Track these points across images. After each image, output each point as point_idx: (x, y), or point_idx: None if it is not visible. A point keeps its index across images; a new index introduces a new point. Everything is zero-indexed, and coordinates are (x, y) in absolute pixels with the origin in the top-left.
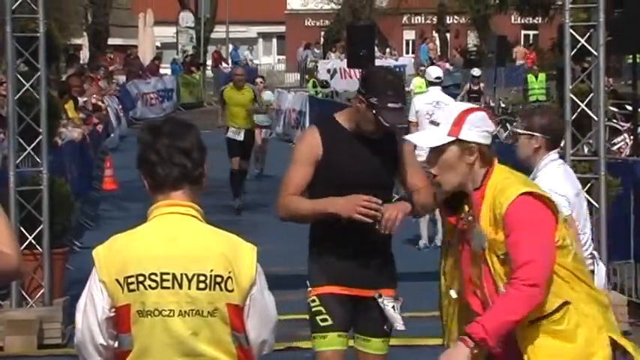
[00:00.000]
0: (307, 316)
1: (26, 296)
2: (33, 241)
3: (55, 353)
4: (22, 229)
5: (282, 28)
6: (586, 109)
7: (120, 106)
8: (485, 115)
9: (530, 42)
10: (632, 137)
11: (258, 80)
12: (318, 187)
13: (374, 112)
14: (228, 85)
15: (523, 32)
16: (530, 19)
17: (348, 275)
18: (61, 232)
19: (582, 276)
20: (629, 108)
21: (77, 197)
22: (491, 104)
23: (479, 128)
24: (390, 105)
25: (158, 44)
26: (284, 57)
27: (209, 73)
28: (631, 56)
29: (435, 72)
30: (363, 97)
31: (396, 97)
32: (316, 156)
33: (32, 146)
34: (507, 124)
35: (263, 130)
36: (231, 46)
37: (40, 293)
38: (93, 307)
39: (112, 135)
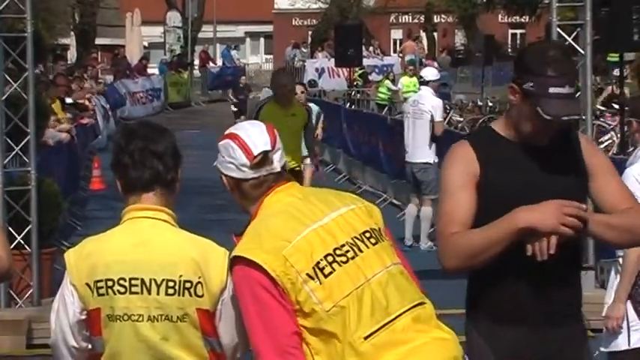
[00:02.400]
0: None
1: (15, 296)
2: (21, 242)
3: (44, 353)
4: (10, 229)
5: (269, 28)
6: None
7: (108, 106)
8: (229, 143)
9: (518, 41)
10: (619, 135)
11: (299, 90)
12: (476, 224)
13: (530, 102)
14: (268, 101)
15: (510, 31)
16: (518, 17)
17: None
18: (49, 232)
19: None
20: (617, 106)
21: (65, 197)
22: (479, 103)
23: (223, 158)
24: (552, 90)
25: (145, 44)
26: (271, 56)
27: (197, 72)
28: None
29: (431, 73)
30: (516, 83)
31: (562, 79)
32: (475, 176)
33: (20, 146)
34: None
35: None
36: (220, 46)
37: (28, 293)
38: (65, 309)
39: (100, 135)
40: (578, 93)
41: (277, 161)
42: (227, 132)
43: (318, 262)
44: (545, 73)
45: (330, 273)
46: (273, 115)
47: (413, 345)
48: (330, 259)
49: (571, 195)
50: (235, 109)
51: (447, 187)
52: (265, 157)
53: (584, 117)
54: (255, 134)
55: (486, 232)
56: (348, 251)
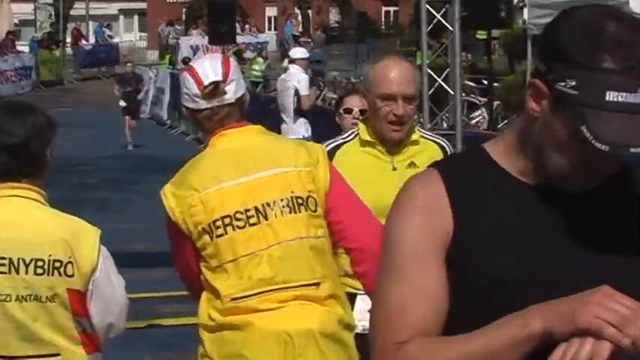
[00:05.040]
0: (168, 293)
1: None
2: None
3: None
4: None
5: (143, 5)
6: (443, 83)
7: None
8: (185, 75)
9: (391, 18)
10: (489, 112)
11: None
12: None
13: (568, 117)
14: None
15: (384, 8)
16: None
17: None
18: None
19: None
20: (486, 82)
21: None
22: (353, 80)
23: (182, 90)
24: (612, 97)
25: (16, 21)
26: (145, 34)
27: (69, 50)
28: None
29: (298, 51)
30: (542, 80)
31: (632, 77)
32: (445, 237)
33: None
34: None
35: None
36: (92, 23)
37: None
38: None
39: None
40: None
41: (231, 92)
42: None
43: (215, 221)
44: (600, 65)
45: (221, 235)
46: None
47: (274, 312)
48: (227, 221)
49: (628, 284)
50: (124, 105)
51: (394, 258)
52: (216, 88)
53: (452, 93)
54: (208, 65)
55: (476, 342)
56: (251, 217)
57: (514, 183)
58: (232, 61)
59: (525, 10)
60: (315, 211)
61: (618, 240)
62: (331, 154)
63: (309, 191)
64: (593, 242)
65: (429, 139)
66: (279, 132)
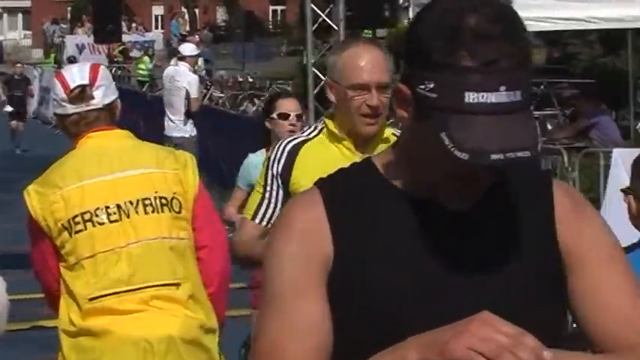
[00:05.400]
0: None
1: None
2: None
3: None
4: None
5: (27, 3)
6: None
7: None
8: (54, 81)
9: (279, 17)
10: None
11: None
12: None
13: (429, 124)
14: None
15: (271, 7)
16: None
17: None
18: None
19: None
20: None
21: None
22: (240, 79)
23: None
24: (471, 98)
25: None
26: (30, 32)
27: None
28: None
29: (188, 48)
30: (406, 82)
31: (493, 74)
32: (325, 264)
33: None
34: (255, 99)
35: None
36: None
37: None
38: None
39: None
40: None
41: (99, 97)
42: None
43: (75, 217)
44: (458, 63)
45: (80, 231)
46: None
47: (133, 316)
48: (87, 216)
49: (522, 307)
50: (11, 110)
51: (273, 290)
52: (83, 91)
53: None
54: (75, 70)
55: None
56: (112, 214)
57: (402, 199)
58: (103, 69)
59: (410, 10)
60: (179, 212)
61: (505, 260)
62: (293, 152)
63: (174, 193)
64: (480, 263)
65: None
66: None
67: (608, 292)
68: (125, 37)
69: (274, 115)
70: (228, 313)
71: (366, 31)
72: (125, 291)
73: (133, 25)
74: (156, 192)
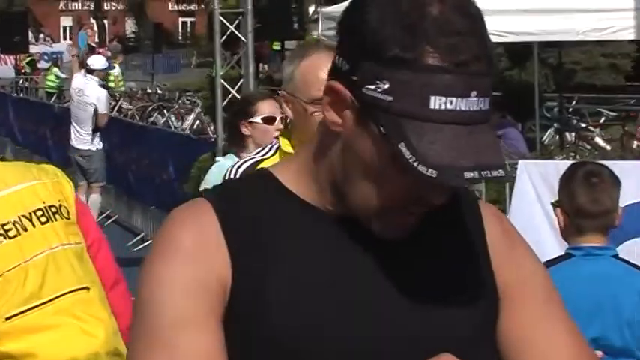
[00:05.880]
0: None
1: None
2: None
3: None
4: None
5: None
6: (237, 94)
7: None
8: None
9: (188, 29)
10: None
11: None
12: None
13: (378, 134)
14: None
15: (181, 19)
16: (187, 5)
17: None
18: None
19: None
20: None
21: None
22: (149, 91)
23: None
24: (437, 104)
25: None
26: None
27: None
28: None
29: (98, 61)
30: (342, 82)
31: (463, 75)
32: (220, 288)
33: None
34: (164, 111)
35: None
36: None
37: None
38: None
39: None
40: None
41: None
42: None
43: None
44: (421, 61)
45: None
46: None
47: (56, 333)
48: None
49: (457, 346)
50: None
51: (153, 322)
52: None
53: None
54: None
55: None
56: (9, 230)
57: (309, 214)
58: None
59: (320, 23)
60: (69, 218)
61: (436, 292)
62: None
63: (59, 200)
64: (409, 289)
65: None
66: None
67: (546, 342)
68: (33, 48)
69: (257, 120)
70: None
71: (275, 42)
72: (39, 304)
73: (41, 36)
74: (44, 202)
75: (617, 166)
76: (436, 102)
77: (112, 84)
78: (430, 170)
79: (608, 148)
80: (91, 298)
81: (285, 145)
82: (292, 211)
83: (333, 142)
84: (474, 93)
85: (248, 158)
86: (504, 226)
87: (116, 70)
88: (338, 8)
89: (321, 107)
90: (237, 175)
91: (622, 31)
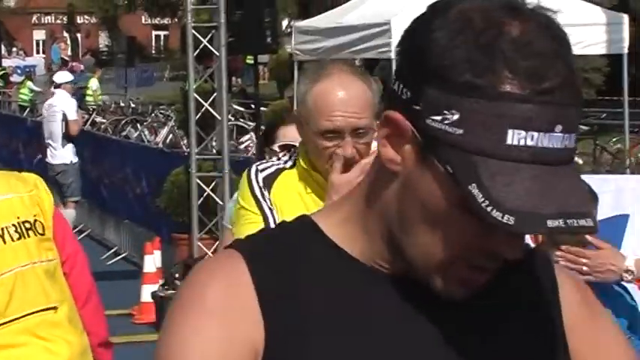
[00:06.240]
0: None
1: None
2: None
3: None
4: None
5: None
6: (210, 108)
7: None
8: None
9: (162, 42)
10: (258, 136)
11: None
12: None
13: (454, 174)
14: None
15: (154, 33)
16: (160, 19)
17: None
18: None
19: None
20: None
21: None
22: (122, 104)
23: None
24: (516, 139)
25: None
26: None
27: None
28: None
29: (62, 76)
30: (403, 112)
31: (548, 107)
32: (251, 353)
33: None
34: (137, 124)
35: None
36: None
37: None
38: None
39: None
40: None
41: None
42: None
43: None
44: (498, 88)
45: None
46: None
47: (20, 351)
48: None
49: None
50: None
51: None
52: None
53: (219, 117)
54: None
55: None
56: None
57: (358, 271)
58: None
59: (292, 37)
60: (43, 234)
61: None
62: (269, 183)
63: (35, 215)
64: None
65: None
66: (43, 158)
67: None
68: (5, 62)
69: (276, 147)
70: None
71: (248, 56)
72: (4, 322)
73: (14, 49)
74: (18, 217)
75: (590, 180)
76: (514, 137)
77: (90, 98)
78: (506, 217)
79: (581, 162)
80: (58, 318)
81: (303, 158)
82: (338, 268)
83: (388, 184)
84: (558, 127)
85: (273, 163)
86: (583, 293)
87: (94, 85)
88: (311, 22)
89: (377, 141)
90: (259, 180)
91: (593, 46)
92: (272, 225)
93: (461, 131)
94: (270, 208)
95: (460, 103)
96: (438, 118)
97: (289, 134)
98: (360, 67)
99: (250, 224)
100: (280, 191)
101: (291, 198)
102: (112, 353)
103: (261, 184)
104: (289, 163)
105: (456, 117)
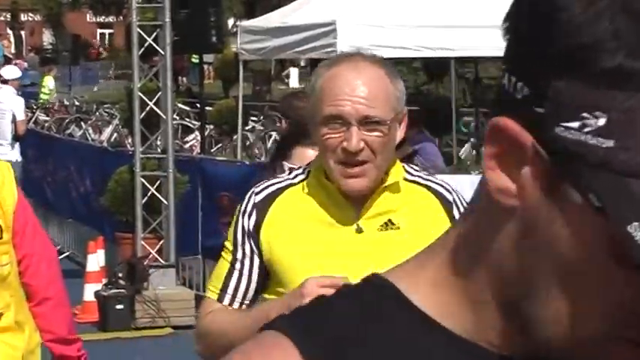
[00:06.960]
0: None
1: None
2: None
3: None
4: None
5: None
6: (155, 107)
7: None
8: None
9: (107, 40)
10: (203, 135)
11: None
12: None
13: (594, 203)
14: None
15: (99, 31)
16: (105, 17)
17: None
18: None
19: None
20: (198, 105)
21: None
22: (66, 103)
23: None
24: None
25: None
26: None
27: None
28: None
29: (11, 72)
30: (522, 119)
31: None
32: None
33: None
34: (82, 123)
35: None
36: None
37: None
38: None
39: None
40: None
41: None
42: None
43: None
44: None
45: None
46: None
47: None
48: None
49: None
50: None
51: None
52: None
53: (164, 117)
54: None
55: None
56: None
57: (464, 353)
58: None
59: (238, 36)
60: (1, 237)
61: None
62: (268, 202)
63: None
64: None
65: (416, 182)
66: None
67: None
68: None
69: (285, 167)
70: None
71: (194, 55)
72: None
73: None
74: None
75: None
76: None
77: (46, 97)
78: None
79: None
80: (5, 324)
81: (316, 167)
82: (434, 351)
83: (500, 227)
84: None
85: (273, 181)
86: None
87: (51, 84)
88: (256, 22)
89: (484, 164)
90: (249, 209)
91: None
92: (236, 276)
93: (610, 143)
94: (244, 254)
95: (608, 100)
96: (575, 124)
97: (303, 156)
98: (387, 62)
99: (218, 269)
100: (279, 210)
101: (289, 221)
102: (75, 349)
103: (252, 220)
104: (300, 177)
105: (602, 122)
